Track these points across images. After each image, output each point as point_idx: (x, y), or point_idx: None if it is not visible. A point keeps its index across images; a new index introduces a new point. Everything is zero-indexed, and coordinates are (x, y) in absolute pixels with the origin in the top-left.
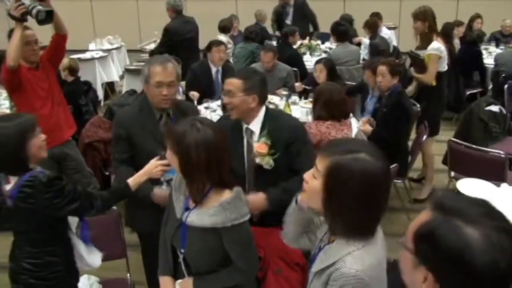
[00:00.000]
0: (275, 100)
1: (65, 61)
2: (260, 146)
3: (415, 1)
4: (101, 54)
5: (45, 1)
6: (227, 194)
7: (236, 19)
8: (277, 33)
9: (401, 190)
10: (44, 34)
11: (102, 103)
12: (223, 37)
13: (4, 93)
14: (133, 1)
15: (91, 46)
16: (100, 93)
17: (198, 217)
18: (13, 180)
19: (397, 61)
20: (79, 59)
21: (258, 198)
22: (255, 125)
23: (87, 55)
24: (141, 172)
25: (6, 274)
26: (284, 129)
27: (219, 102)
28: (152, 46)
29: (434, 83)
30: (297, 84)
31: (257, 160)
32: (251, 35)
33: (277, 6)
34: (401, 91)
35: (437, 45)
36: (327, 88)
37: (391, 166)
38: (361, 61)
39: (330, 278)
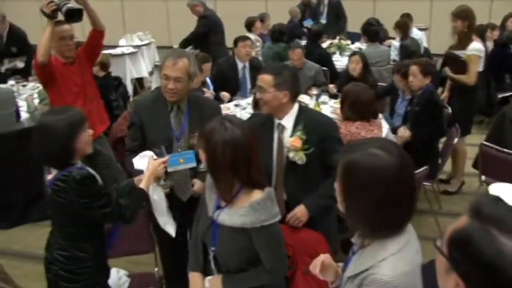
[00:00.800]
0: (305, 99)
1: None
2: (295, 140)
3: (446, 2)
4: (131, 50)
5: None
6: (257, 195)
7: (268, 17)
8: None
9: (429, 193)
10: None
11: (131, 99)
12: (250, 36)
13: (35, 85)
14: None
15: (121, 42)
16: (130, 89)
17: (228, 217)
18: (54, 171)
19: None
20: (110, 54)
21: (300, 211)
22: (288, 120)
23: (117, 50)
24: (147, 174)
25: (38, 264)
26: (317, 125)
27: (248, 100)
28: None
29: (473, 84)
30: (331, 85)
31: (291, 155)
32: (274, 34)
33: (298, 5)
34: (433, 90)
35: (478, 46)
36: (354, 89)
37: (422, 169)
38: (391, 62)
39: (363, 283)
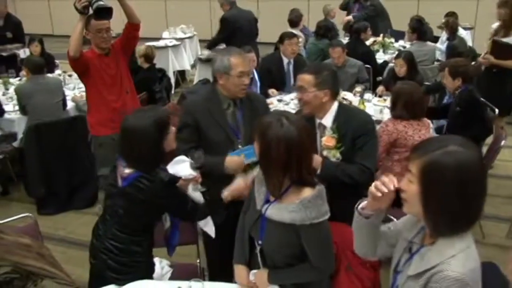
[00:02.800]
0: (349, 97)
1: (141, 48)
2: (327, 139)
3: (492, 1)
4: (174, 42)
5: None
6: (308, 192)
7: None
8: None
9: None
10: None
11: (173, 91)
12: (293, 31)
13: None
14: None
15: (165, 34)
16: (172, 81)
17: (277, 212)
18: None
19: (473, 63)
20: (153, 46)
21: (315, 159)
22: (327, 119)
23: (161, 43)
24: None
25: (81, 250)
26: (352, 123)
27: (292, 95)
28: None
29: None
30: (380, 88)
31: (325, 153)
32: (320, 30)
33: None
34: (472, 89)
35: None
36: (406, 88)
37: None
38: (435, 62)
39: (430, 281)
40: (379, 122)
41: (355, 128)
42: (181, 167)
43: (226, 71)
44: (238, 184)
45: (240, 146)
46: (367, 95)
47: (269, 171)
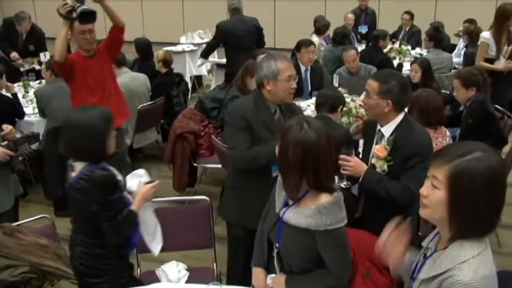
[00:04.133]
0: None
1: (160, 53)
2: (379, 148)
3: None
4: (191, 47)
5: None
6: (325, 198)
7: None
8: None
9: None
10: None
11: (189, 96)
12: (316, 38)
13: None
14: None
15: (182, 39)
16: (189, 86)
17: (294, 216)
18: (78, 168)
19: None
20: (171, 51)
21: (359, 164)
22: (387, 129)
23: (178, 48)
24: (138, 198)
25: None
26: (410, 141)
27: (308, 102)
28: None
29: None
30: None
31: (373, 160)
32: (337, 37)
33: (355, 8)
34: (483, 99)
35: None
36: (423, 94)
37: None
38: (452, 70)
39: (441, 285)
40: None
41: (411, 146)
42: (134, 181)
43: (275, 76)
44: None
45: None
46: None
47: (286, 173)
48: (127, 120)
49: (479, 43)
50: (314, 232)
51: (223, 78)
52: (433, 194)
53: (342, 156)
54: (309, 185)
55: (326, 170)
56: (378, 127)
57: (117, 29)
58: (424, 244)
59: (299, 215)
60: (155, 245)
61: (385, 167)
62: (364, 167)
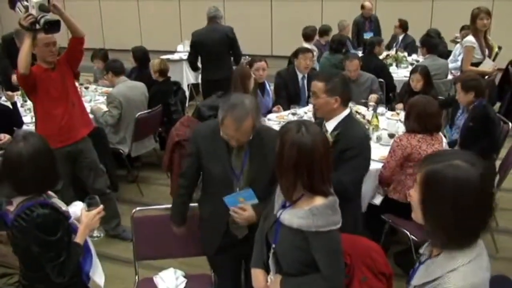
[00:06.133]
0: (362, 110)
1: (155, 63)
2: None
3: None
4: None
5: (56, 10)
6: (319, 201)
7: (330, 32)
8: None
9: None
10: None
11: (187, 104)
12: (306, 45)
13: (100, 89)
14: (220, 2)
15: (179, 47)
16: (186, 94)
17: (288, 217)
18: (15, 201)
19: (486, 77)
20: (168, 59)
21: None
22: (331, 124)
23: (175, 56)
24: (82, 228)
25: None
26: (347, 135)
27: (305, 109)
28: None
29: None
30: (399, 105)
31: None
32: (333, 44)
33: (358, 16)
34: (486, 104)
35: None
36: (420, 100)
37: None
38: (449, 76)
39: None
40: (392, 136)
41: (347, 140)
42: (77, 207)
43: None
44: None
45: (238, 189)
46: (381, 109)
47: (281, 174)
48: (91, 130)
49: (463, 47)
50: (307, 234)
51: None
52: (413, 195)
53: None
54: (304, 187)
55: (321, 173)
56: (324, 123)
57: (77, 40)
58: (421, 250)
59: (292, 216)
60: (98, 277)
61: None
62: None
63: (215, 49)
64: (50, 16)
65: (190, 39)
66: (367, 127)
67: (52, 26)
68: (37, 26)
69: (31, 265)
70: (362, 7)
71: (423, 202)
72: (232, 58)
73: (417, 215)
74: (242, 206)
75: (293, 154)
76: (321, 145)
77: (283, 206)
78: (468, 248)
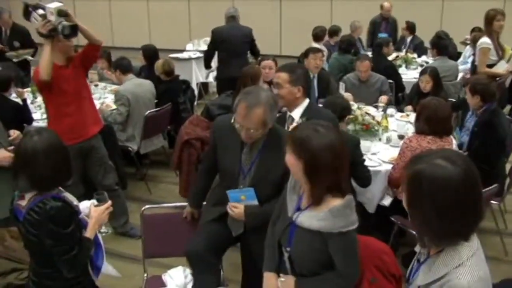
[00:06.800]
0: (372, 111)
1: (158, 64)
2: (294, 127)
3: None
4: (198, 54)
5: (69, 16)
6: (338, 201)
7: (339, 32)
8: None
9: (496, 212)
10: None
11: (196, 103)
12: (316, 45)
13: (109, 87)
14: (229, 1)
15: (188, 46)
16: (195, 93)
17: (307, 219)
18: (27, 195)
19: (497, 79)
20: (177, 58)
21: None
22: (296, 112)
23: (184, 55)
24: (92, 223)
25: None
26: (320, 117)
27: None
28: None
29: None
30: (408, 107)
31: None
32: (343, 45)
33: (376, 16)
34: (495, 109)
35: None
36: (432, 103)
37: (491, 187)
38: (458, 78)
39: None
40: (402, 137)
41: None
42: (85, 203)
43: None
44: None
45: (241, 186)
46: (390, 110)
47: (316, 179)
48: (101, 128)
49: (478, 49)
50: (326, 235)
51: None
52: (402, 196)
53: None
54: (333, 187)
55: (347, 171)
56: (288, 113)
57: (94, 47)
58: (417, 249)
59: (312, 219)
60: (111, 270)
61: None
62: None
63: (236, 47)
64: (68, 21)
65: (211, 36)
66: (376, 128)
67: (71, 31)
68: (55, 33)
69: (42, 261)
70: (381, 7)
71: (407, 202)
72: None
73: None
74: (238, 204)
75: (329, 157)
76: (342, 138)
77: (298, 209)
78: (468, 241)
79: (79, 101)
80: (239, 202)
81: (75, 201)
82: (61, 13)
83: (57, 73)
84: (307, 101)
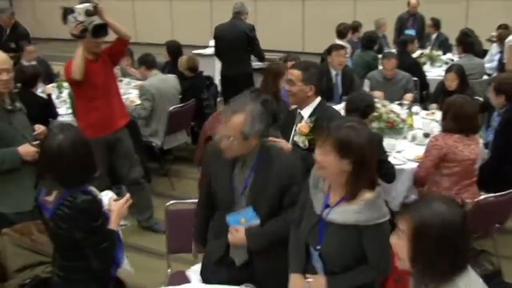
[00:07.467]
0: (396, 109)
1: (183, 61)
2: (303, 126)
3: None
4: None
5: (99, 14)
6: (368, 194)
7: (360, 26)
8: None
9: None
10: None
11: (218, 99)
12: (340, 42)
13: (133, 82)
14: (251, 1)
15: (211, 42)
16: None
17: (341, 215)
18: (54, 192)
19: None
20: (200, 54)
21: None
22: (306, 111)
23: (207, 51)
24: (114, 216)
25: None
26: (328, 117)
27: (339, 106)
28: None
29: None
30: (433, 105)
31: (296, 138)
32: (363, 41)
33: (402, 13)
34: None
35: None
36: (459, 100)
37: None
38: (484, 76)
39: None
40: (427, 135)
41: (328, 120)
42: (104, 198)
43: None
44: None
45: (239, 208)
46: (415, 108)
47: (362, 175)
48: (128, 122)
49: (507, 46)
50: (362, 228)
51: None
52: (397, 242)
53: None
54: (369, 180)
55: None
56: (298, 111)
57: (123, 42)
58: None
59: (346, 213)
60: (128, 265)
61: (306, 142)
62: (288, 145)
63: (232, 45)
64: (97, 20)
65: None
66: (401, 126)
67: (101, 30)
68: (87, 33)
69: (69, 255)
70: (408, 3)
71: (412, 251)
72: (251, 56)
73: (402, 261)
74: (238, 227)
75: (369, 151)
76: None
77: (326, 206)
78: (463, 271)
79: (108, 94)
80: (240, 225)
81: (99, 195)
82: (88, 13)
83: (87, 67)
84: (318, 99)
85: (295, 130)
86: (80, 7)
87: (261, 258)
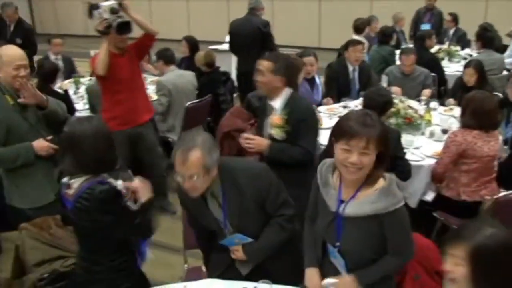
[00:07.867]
0: (414, 105)
1: (200, 56)
2: (277, 118)
3: None
4: None
5: (125, 12)
6: (381, 181)
7: (375, 20)
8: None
9: None
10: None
11: (235, 94)
12: (357, 37)
13: (150, 78)
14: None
15: (227, 38)
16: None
17: (357, 207)
18: (75, 185)
19: None
20: (216, 50)
21: (261, 140)
22: (277, 102)
23: (224, 46)
24: (141, 190)
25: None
26: (298, 110)
27: (356, 102)
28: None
29: None
30: (450, 100)
31: (271, 131)
32: (379, 36)
33: (420, 7)
34: None
35: None
36: (478, 96)
37: None
38: (504, 71)
39: None
40: (446, 131)
41: (300, 114)
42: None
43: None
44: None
45: (228, 235)
46: (433, 104)
47: (383, 166)
48: (152, 116)
49: None
50: (382, 216)
51: None
52: (457, 270)
53: (244, 135)
54: (382, 169)
55: None
56: (269, 102)
57: (149, 37)
58: None
59: (363, 205)
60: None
61: (283, 134)
62: (265, 141)
63: (247, 41)
64: (121, 17)
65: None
66: (419, 121)
67: (125, 27)
68: (111, 30)
69: (92, 246)
70: None
71: (475, 278)
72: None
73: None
74: (236, 247)
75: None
76: None
77: (341, 202)
78: None
79: (132, 89)
80: (236, 245)
81: (118, 186)
82: (113, 11)
83: (113, 61)
84: (288, 91)
85: (267, 122)
86: (106, 4)
87: (269, 261)
